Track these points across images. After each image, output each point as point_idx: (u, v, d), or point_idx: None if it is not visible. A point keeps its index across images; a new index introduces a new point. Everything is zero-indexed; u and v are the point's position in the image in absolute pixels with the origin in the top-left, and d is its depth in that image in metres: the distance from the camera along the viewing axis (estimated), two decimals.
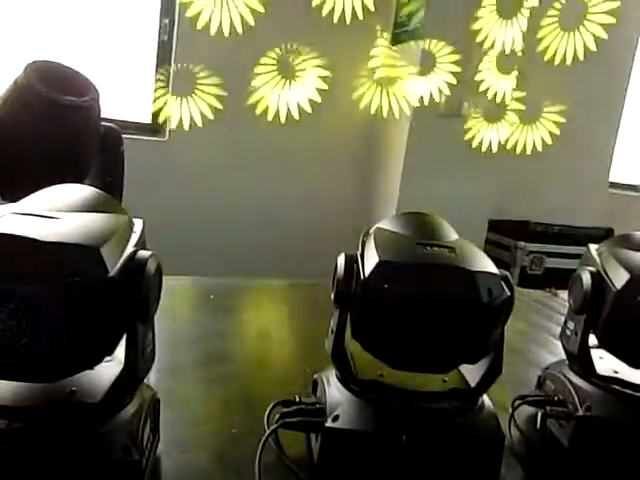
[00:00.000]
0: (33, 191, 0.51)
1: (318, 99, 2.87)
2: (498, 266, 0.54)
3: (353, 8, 2.72)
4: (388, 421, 0.53)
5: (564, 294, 0.70)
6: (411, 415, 0.54)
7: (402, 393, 0.55)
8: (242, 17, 2.62)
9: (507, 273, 0.55)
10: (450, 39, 2.70)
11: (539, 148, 3.18)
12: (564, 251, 3.05)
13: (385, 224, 0.58)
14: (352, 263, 0.54)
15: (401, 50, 2.86)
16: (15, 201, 0.49)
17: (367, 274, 0.51)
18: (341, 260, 0.55)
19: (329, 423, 0.53)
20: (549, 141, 3.19)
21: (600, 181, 3.61)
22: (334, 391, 0.56)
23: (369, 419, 0.53)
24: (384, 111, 2.87)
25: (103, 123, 1.21)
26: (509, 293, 0.53)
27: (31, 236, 0.41)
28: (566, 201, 3.31)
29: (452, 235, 0.57)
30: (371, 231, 0.58)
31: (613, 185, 3.75)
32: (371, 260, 0.52)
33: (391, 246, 0.54)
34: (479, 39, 2.74)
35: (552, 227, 3.20)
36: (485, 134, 2.90)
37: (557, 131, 3.20)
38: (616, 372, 0.65)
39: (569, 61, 3.00)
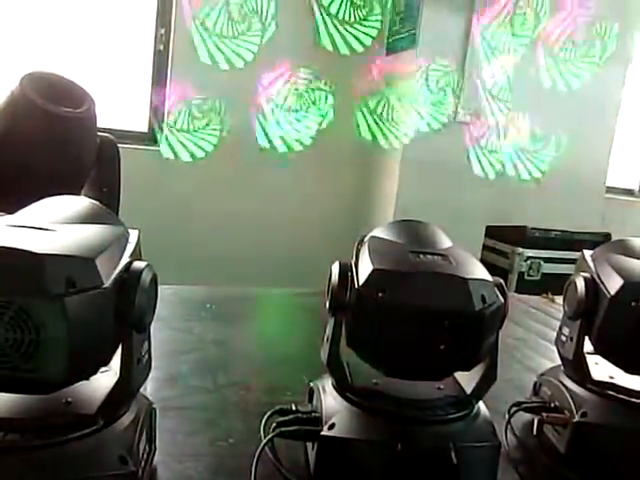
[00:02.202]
0: (29, 202, 0.52)
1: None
2: (495, 272, 0.55)
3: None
4: (384, 429, 0.53)
5: (561, 300, 0.71)
6: (406, 423, 0.54)
7: (397, 401, 0.55)
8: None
9: (500, 280, 0.55)
10: (445, 46, 2.72)
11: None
12: (561, 256, 3.06)
13: (379, 232, 0.59)
14: (346, 271, 0.54)
15: (396, 58, 2.88)
16: (11, 213, 0.50)
17: (361, 282, 0.52)
18: (335, 268, 0.55)
19: (325, 431, 0.53)
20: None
21: (597, 186, 3.62)
22: (330, 399, 0.56)
23: (365, 427, 0.53)
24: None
25: (99, 134, 1.22)
26: (502, 300, 0.53)
27: (27, 248, 0.41)
28: (563, 206, 3.32)
29: (445, 242, 0.57)
30: (365, 239, 0.58)
31: (610, 190, 3.75)
32: (365, 268, 0.52)
33: (385, 254, 0.54)
34: (474, 45, 2.75)
35: (549, 232, 3.20)
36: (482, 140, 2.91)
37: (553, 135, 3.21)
38: (612, 378, 0.65)
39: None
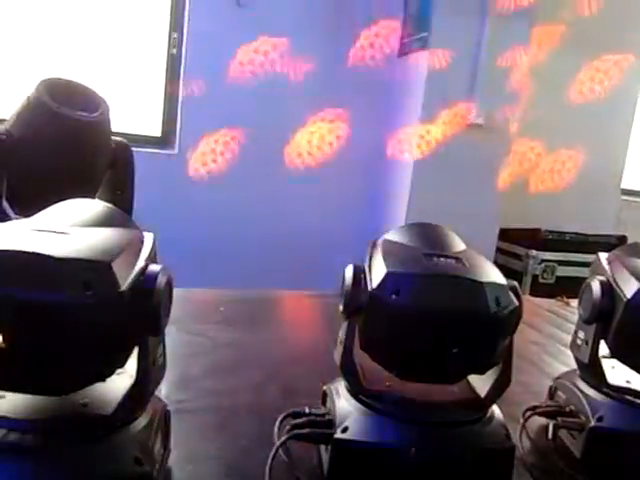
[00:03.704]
0: (45, 206, 0.52)
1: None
2: (509, 275, 0.54)
3: None
4: (397, 432, 0.53)
5: (576, 303, 0.70)
6: (420, 426, 0.54)
7: (411, 404, 0.55)
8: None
9: (515, 283, 0.55)
10: (457, 47, 2.71)
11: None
12: (576, 259, 3.03)
13: (392, 235, 0.59)
14: (360, 274, 0.54)
15: (408, 60, 2.87)
16: (28, 216, 0.50)
17: (375, 285, 0.52)
18: (349, 271, 0.55)
19: (338, 434, 0.53)
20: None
21: (612, 188, 3.58)
22: (343, 402, 0.56)
23: (378, 430, 0.53)
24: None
25: (114, 138, 1.23)
26: (517, 303, 0.53)
27: (44, 252, 0.42)
28: (578, 208, 3.29)
29: (459, 245, 0.57)
30: (378, 242, 0.58)
31: (626, 192, 3.71)
32: (379, 271, 0.52)
33: (398, 257, 0.54)
34: (487, 47, 2.74)
35: (564, 235, 3.18)
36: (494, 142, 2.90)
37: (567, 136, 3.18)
38: (628, 382, 0.65)
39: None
